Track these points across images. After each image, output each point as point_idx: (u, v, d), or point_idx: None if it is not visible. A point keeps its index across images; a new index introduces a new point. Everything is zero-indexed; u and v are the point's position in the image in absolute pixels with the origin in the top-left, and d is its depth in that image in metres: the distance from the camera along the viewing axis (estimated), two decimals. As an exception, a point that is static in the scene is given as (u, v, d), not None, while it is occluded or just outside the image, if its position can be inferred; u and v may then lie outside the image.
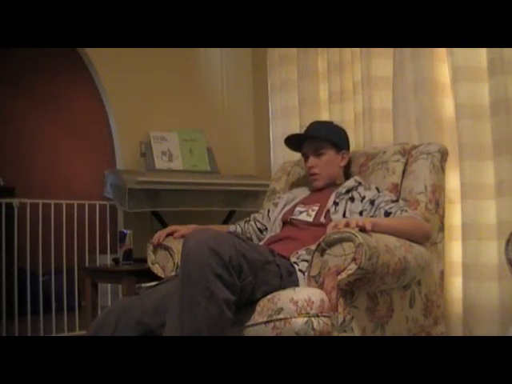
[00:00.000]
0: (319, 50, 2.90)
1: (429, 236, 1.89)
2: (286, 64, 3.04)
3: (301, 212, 2.00)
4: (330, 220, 1.87)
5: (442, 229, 2.03)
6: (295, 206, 2.06)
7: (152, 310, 1.55)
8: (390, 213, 1.84)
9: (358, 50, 2.63)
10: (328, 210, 1.93)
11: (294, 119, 3.01)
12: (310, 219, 1.95)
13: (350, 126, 2.70)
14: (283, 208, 2.11)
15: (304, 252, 1.76)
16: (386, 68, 2.51)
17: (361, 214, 1.90)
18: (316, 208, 1.97)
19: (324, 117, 2.88)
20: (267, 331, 1.49)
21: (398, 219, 1.81)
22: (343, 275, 1.51)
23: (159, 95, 3.33)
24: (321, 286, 1.54)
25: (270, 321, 1.50)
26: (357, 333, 1.56)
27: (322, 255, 1.56)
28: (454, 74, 2.20)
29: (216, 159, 3.35)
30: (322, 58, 2.90)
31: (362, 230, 1.56)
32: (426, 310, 1.93)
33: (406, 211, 1.84)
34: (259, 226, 2.21)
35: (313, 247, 1.73)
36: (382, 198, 1.90)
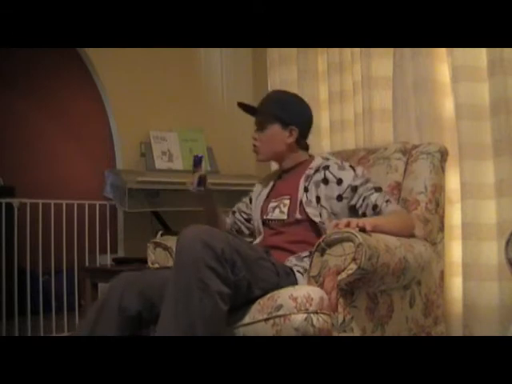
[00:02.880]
0: (319, 50, 2.90)
1: (414, 228, 1.90)
2: (286, 64, 3.04)
3: (274, 208, 1.93)
4: (306, 214, 1.82)
5: (441, 229, 2.03)
6: (268, 201, 1.97)
7: (153, 285, 1.59)
8: (377, 205, 1.80)
9: (358, 49, 2.63)
10: (301, 202, 1.85)
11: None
12: (284, 216, 1.88)
13: (350, 126, 2.71)
14: (256, 202, 2.03)
15: (294, 259, 1.76)
16: (386, 68, 2.50)
17: (339, 198, 1.84)
18: (287, 202, 1.90)
19: (324, 117, 2.88)
20: (267, 328, 1.50)
21: (391, 218, 1.78)
22: (343, 275, 1.51)
23: (159, 95, 3.33)
24: (321, 286, 1.54)
25: (270, 318, 1.50)
26: (357, 333, 1.56)
27: (322, 255, 1.57)
28: (453, 74, 2.20)
29: (216, 159, 3.35)
30: (322, 58, 2.90)
31: (362, 230, 1.56)
32: (426, 310, 1.93)
33: (390, 202, 1.82)
34: (245, 216, 2.13)
35: (303, 254, 1.76)
36: (364, 186, 1.83)
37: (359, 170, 1.90)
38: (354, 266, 1.50)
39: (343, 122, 2.74)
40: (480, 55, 2.13)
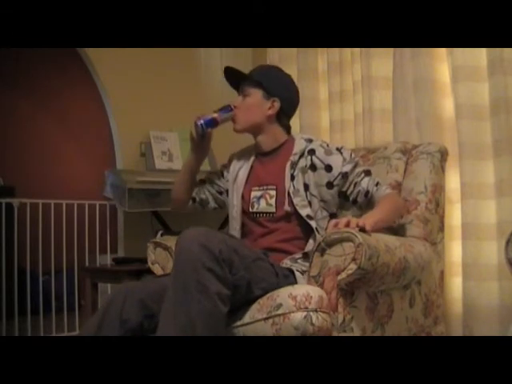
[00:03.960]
0: (319, 50, 2.90)
1: (406, 207, 1.95)
2: (286, 64, 3.03)
3: (258, 199, 1.85)
4: (293, 206, 1.79)
5: (441, 229, 2.03)
6: (249, 187, 1.90)
7: (154, 294, 1.58)
8: (368, 191, 1.80)
9: (358, 49, 2.63)
10: (289, 193, 1.79)
11: (293, 119, 2.98)
12: (273, 209, 1.82)
13: (350, 126, 2.71)
14: (234, 186, 1.95)
15: (289, 261, 1.76)
16: (386, 68, 2.51)
17: (329, 186, 1.81)
18: (273, 193, 1.83)
19: (324, 117, 2.88)
20: (266, 328, 1.50)
21: (386, 206, 1.77)
22: (343, 275, 1.51)
23: (159, 95, 3.33)
24: (321, 286, 1.54)
25: (269, 317, 1.50)
26: (357, 333, 1.56)
27: (321, 255, 1.57)
28: (453, 74, 2.20)
29: (216, 159, 3.34)
30: (322, 58, 2.90)
31: (362, 229, 1.56)
32: (426, 310, 1.93)
33: (380, 185, 1.82)
34: (216, 188, 2.07)
35: (297, 256, 1.76)
36: (354, 172, 1.81)
37: (346, 152, 1.83)
38: (353, 266, 1.50)
39: (343, 121, 2.74)
40: (480, 55, 2.13)
